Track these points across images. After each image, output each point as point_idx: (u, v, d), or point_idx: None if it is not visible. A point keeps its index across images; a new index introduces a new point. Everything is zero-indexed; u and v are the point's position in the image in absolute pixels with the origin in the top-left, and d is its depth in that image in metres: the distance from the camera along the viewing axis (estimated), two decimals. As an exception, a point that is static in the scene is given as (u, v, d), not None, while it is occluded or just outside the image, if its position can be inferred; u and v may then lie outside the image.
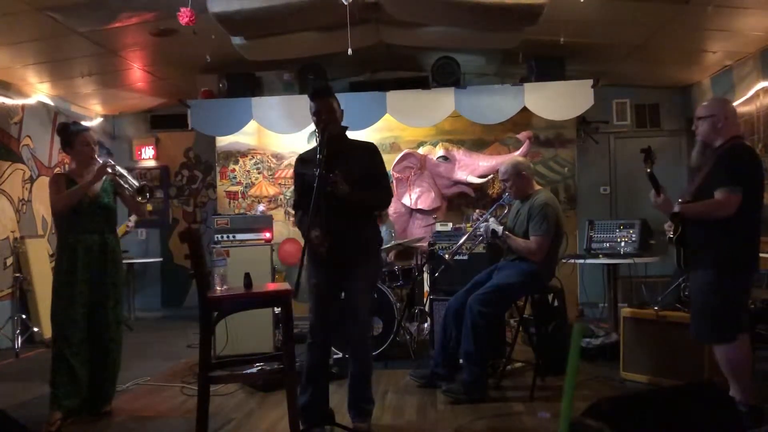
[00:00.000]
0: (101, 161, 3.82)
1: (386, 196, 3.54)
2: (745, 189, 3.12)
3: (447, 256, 4.39)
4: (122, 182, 3.86)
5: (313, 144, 3.46)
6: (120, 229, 4.87)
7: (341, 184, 3.18)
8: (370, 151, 3.48)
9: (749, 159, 3.26)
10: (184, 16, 4.33)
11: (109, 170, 3.77)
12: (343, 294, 3.43)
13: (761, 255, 3.35)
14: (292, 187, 3.97)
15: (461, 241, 4.43)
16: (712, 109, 3.32)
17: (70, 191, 3.70)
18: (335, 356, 4.45)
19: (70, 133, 3.83)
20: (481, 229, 4.29)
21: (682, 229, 3.33)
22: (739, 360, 3.17)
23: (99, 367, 3.80)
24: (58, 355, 3.68)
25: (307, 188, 3.30)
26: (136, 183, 3.85)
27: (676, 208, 3.27)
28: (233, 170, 7.23)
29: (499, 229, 4.16)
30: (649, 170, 3.36)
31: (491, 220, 4.27)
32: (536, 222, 4.03)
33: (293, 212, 3.61)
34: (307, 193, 3.29)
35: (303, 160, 3.53)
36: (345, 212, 3.27)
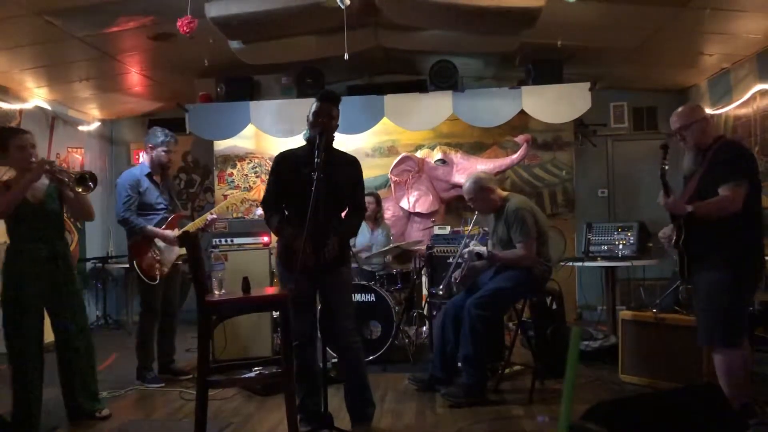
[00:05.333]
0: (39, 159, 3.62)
1: (361, 216, 3.66)
2: (749, 184, 3.14)
3: (440, 291, 4.35)
4: (64, 178, 3.63)
5: (300, 142, 3.48)
6: (197, 222, 4.80)
7: (334, 247, 3.27)
8: (354, 165, 3.54)
9: (745, 154, 3.29)
10: (183, 25, 4.33)
11: (47, 167, 3.57)
12: (320, 298, 3.46)
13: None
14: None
15: (449, 272, 4.35)
16: (694, 116, 3.38)
17: (6, 194, 3.51)
18: (333, 360, 4.44)
19: (4, 138, 3.64)
20: (465, 255, 4.24)
21: (686, 233, 3.32)
22: (740, 365, 3.14)
23: (67, 376, 3.72)
24: (15, 374, 3.55)
25: (288, 189, 3.40)
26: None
27: (689, 208, 3.26)
28: (231, 174, 7.23)
29: (483, 250, 4.12)
30: (665, 167, 3.36)
31: (472, 243, 4.23)
32: (516, 228, 4.01)
33: (264, 208, 3.58)
34: (285, 194, 3.42)
35: (284, 158, 3.53)
36: (323, 219, 3.27)
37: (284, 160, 3.53)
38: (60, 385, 3.75)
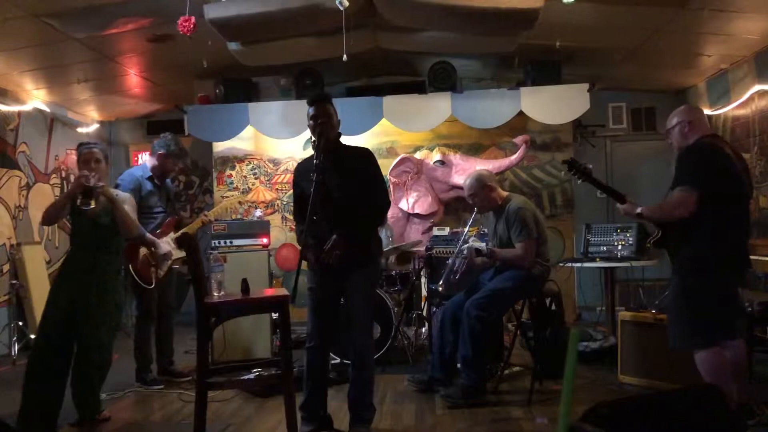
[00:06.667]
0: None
1: (382, 206, 3.53)
2: (703, 188, 3.06)
3: (439, 288, 4.37)
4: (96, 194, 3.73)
5: (310, 152, 3.47)
6: (193, 225, 4.84)
7: (337, 249, 3.25)
8: (365, 157, 3.50)
9: (703, 157, 3.19)
10: (185, 25, 4.33)
11: (83, 181, 3.63)
12: (342, 300, 3.45)
13: (758, 258, 3.33)
14: (289, 192, 3.99)
15: (448, 268, 4.39)
16: (677, 118, 3.38)
17: (50, 205, 3.77)
18: (333, 362, 4.44)
19: (78, 151, 3.88)
20: (465, 252, 4.25)
21: (663, 233, 3.35)
22: (717, 367, 3.08)
23: (76, 385, 3.71)
24: (25, 375, 3.65)
25: (304, 198, 3.33)
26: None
27: (639, 210, 3.28)
28: (230, 176, 7.23)
29: (482, 246, 4.14)
30: (586, 180, 3.41)
31: (471, 239, 4.25)
32: (516, 228, 4.03)
33: (294, 221, 3.61)
34: (303, 204, 3.34)
35: (300, 169, 3.56)
36: (343, 219, 3.28)
37: (299, 170, 3.56)
38: (71, 389, 3.75)
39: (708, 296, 3.11)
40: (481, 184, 4.16)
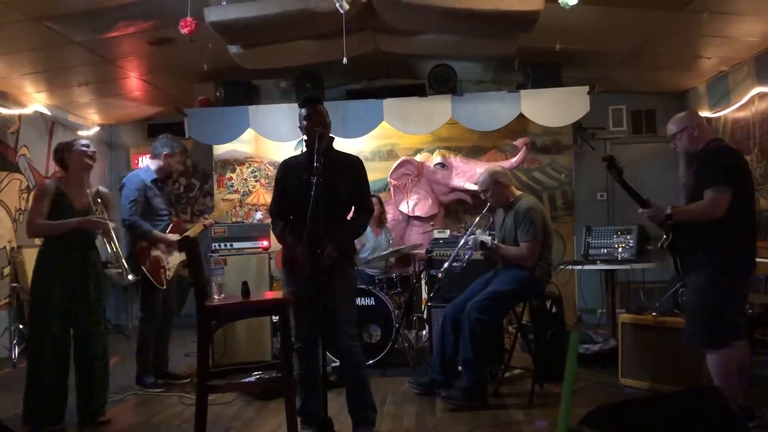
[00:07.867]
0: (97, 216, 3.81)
1: (367, 217, 3.60)
2: (732, 189, 3.12)
3: (440, 274, 4.38)
4: (108, 244, 3.89)
5: (300, 151, 3.49)
6: (196, 228, 4.84)
7: (335, 252, 3.27)
8: (356, 165, 3.53)
9: (732, 158, 3.28)
10: (186, 25, 4.34)
11: (100, 224, 3.78)
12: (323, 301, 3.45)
13: (759, 259, 3.34)
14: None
15: (452, 256, 4.41)
16: (684, 122, 3.40)
17: (50, 225, 3.70)
18: (334, 364, 4.44)
19: (75, 148, 3.86)
20: (470, 242, 4.28)
21: (673, 236, 3.35)
22: (729, 367, 3.12)
23: (85, 381, 3.76)
24: (29, 370, 3.71)
25: (291, 196, 3.39)
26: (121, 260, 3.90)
27: (668, 210, 3.29)
28: (230, 178, 7.23)
29: (488, 239, 4.14)
30: (617, 180, 3.41)
31: (478, 231, 4.25)
32: (523, 228, 4.04)
33: (270, 218, 3.62)
34: (288, 201, 3.40)
35: (287, 166, 3.54)
36: (323, 224, 3.28)
37: (287, 167, 3.54)
38: (75, 389, 3.78)
39: (734, 296, 3.17)
40: (493, 180, 4.20)
